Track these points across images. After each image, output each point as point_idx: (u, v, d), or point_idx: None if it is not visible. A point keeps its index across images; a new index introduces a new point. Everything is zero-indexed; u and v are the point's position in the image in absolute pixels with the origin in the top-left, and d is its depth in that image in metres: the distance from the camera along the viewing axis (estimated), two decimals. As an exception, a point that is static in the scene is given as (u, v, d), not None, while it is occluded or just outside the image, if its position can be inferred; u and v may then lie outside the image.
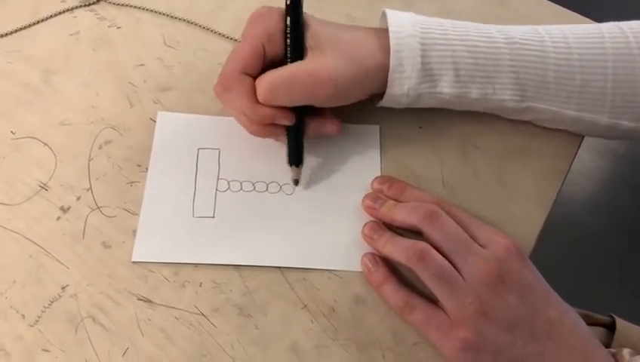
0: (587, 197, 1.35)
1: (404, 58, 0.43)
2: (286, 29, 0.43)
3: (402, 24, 0.43)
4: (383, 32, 0.44)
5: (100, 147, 0.47)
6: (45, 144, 0.47)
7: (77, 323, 0.41)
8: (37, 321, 0.41)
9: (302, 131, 0.45)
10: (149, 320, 0.41)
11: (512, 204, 0.46)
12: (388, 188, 0.45)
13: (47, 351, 0.40)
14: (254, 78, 0.42)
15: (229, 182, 0.46)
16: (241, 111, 0.43)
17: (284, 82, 0.41)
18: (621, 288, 1.23)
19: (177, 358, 0.40)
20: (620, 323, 0.59)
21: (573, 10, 0.56)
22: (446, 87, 0.44)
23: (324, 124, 0.46)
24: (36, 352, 0.40)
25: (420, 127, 0.49)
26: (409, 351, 0.41)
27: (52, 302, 0.41)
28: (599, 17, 0.53)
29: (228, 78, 0.43)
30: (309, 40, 0.43)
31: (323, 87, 0.42)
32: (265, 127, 0.44)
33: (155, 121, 0.48)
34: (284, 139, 0.45)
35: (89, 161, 0.46)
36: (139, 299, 0.42)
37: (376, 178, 0.46)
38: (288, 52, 0.43)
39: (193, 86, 0.50)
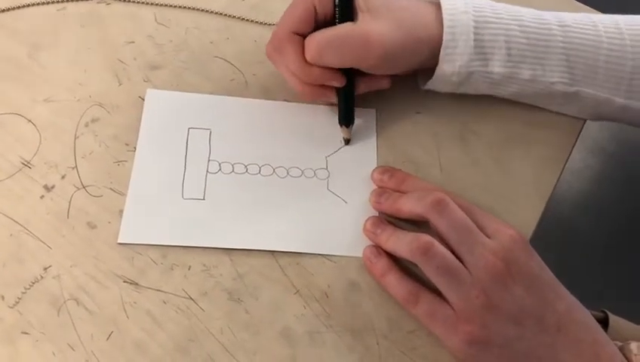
0: (577, 195, 1.35)
1: (457, 34, 0.42)
2: None
3: (454, 1, 0.43)
4: (435, 5, 0.44)
5: (87, 125, 0.45)
6: (29, 120, 0.45)
7: (59, 305, 0.39)
8: (17, 303, 0.39)
9: (352, 92, 0.45)
10: (135, 303, 0.40)
11: (510, 191, 0.45)
12: (389, 178, 0.44)
13: (27, 333, 0.38)
14: (304, 37, 0.42)
15: (220, 164, 0.45)
16: (291, 71, 0.43)
17: (333, 42, 0.41)
18: (611, 286, 1.23)
19: (164, 343, 0.39)
20: (613, 318, 0.59)
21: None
22: (497, 66, 0.44)
23: (375, 80, 0.45)
24: (15, 335, 0.38)
25: (418, 113, 0.48)
26: (404, 339, 0.40)
27: (33, 283, 0.40)
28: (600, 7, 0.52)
29: (280, 37, 0.43)
30: (360, 2, 0.42)
31: (372, 50, 0.41)
32: (315, 89, 0.44)
33: (144, 100, 0.46)
34: (335, 101, 0.45)
35: (75, 138, 0.45)
36: (125, 282, 0.40)
37: (377, 168, 0.45)
38: (337, 13, 0.43)
39: (184, 65, 0.48)
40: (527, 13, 0.44)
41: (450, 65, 0.43)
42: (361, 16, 0.42)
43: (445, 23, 0.42)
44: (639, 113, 0.46)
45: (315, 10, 0.42)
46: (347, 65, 0.43)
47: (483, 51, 0.43)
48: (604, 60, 0.44)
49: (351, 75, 0.44)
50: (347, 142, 0.46)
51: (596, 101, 0.45)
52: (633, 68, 0.44)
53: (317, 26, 0.43)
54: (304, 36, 0.42)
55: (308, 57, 0.42)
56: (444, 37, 0.42)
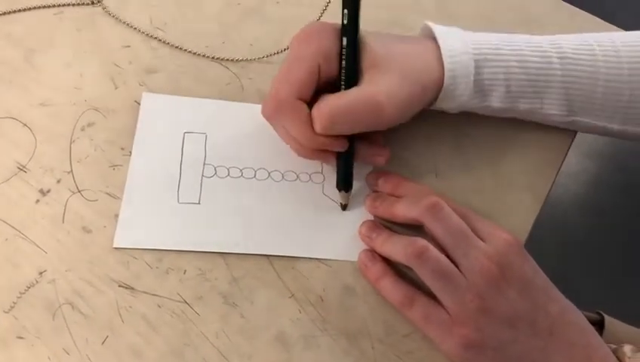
0: (573, 198, 1.35)
1: (458, 77, 0.41)
2: (341, 51, 0.40)
3: (452, 41, 0.42)
4: (434, 42, 0.42)
5: (83, 129, 0.45)
6: (25, 125, 0.45)
7: (54, 309, 0.39)
8: (12, 307, 0.39)
9: (352, 157, 0.43)
10: (130, 307, 0.40)
11: (505, 194, 0.45)
12: (384, 182, 0.44)
13: (22, 338, 0.38)
14: (307, 101, 0.40)
15: (215, 168, 0.45)
16: (295, 138, 0.41)
17: (345, 112, 0.39)
18: (607, 288, 1.24)
19: (159, 347, 0.39)
20: (609, 320, 0.59)
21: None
22: (496, 102, 0.43)
23: (373, 154, 0.44)
24: (10, 339, 0.38)
25: (413, 117, 0.48)
26: (399, 342, 0.40)
27: (29, 287, 0.40)
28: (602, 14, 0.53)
29: (283, 103, 0.40)
30: (366, 60, 0.40)
31: (383, 112, 0.40)
32: (316, 152, 0.42)
33: (140, 104, 0.46)
34: (333, 162, 0.43)
35: (71, 143, 0.45)
36: (120, 286, 0.40)
37: (372, 172, 0.45)
38: (343, 75, 0.41)
39: (180, 69, 0.48)
40: (526, 45, 0.43)
41: (448, 103, 0.43)
42: (366, 76, 0.40)
43: (446, 66, 0.41)
44: (635, 136, 0.46)
45: (319, 70, 0.40)
46: (359, 131, 0.41)
47: (482, 89, 0.43)
48: (602, 92, 0.43)
49: (352, 138, 0.42)
50: (344, 207, 0.44)
51: (592, 127, 0.45)
52: (630, 97, 0.43)
53: (317, 88, 0.41)
54: (305, 100, 0.40)
55: (318, 129, 0.39)
56: (445, 81, 0.41)
